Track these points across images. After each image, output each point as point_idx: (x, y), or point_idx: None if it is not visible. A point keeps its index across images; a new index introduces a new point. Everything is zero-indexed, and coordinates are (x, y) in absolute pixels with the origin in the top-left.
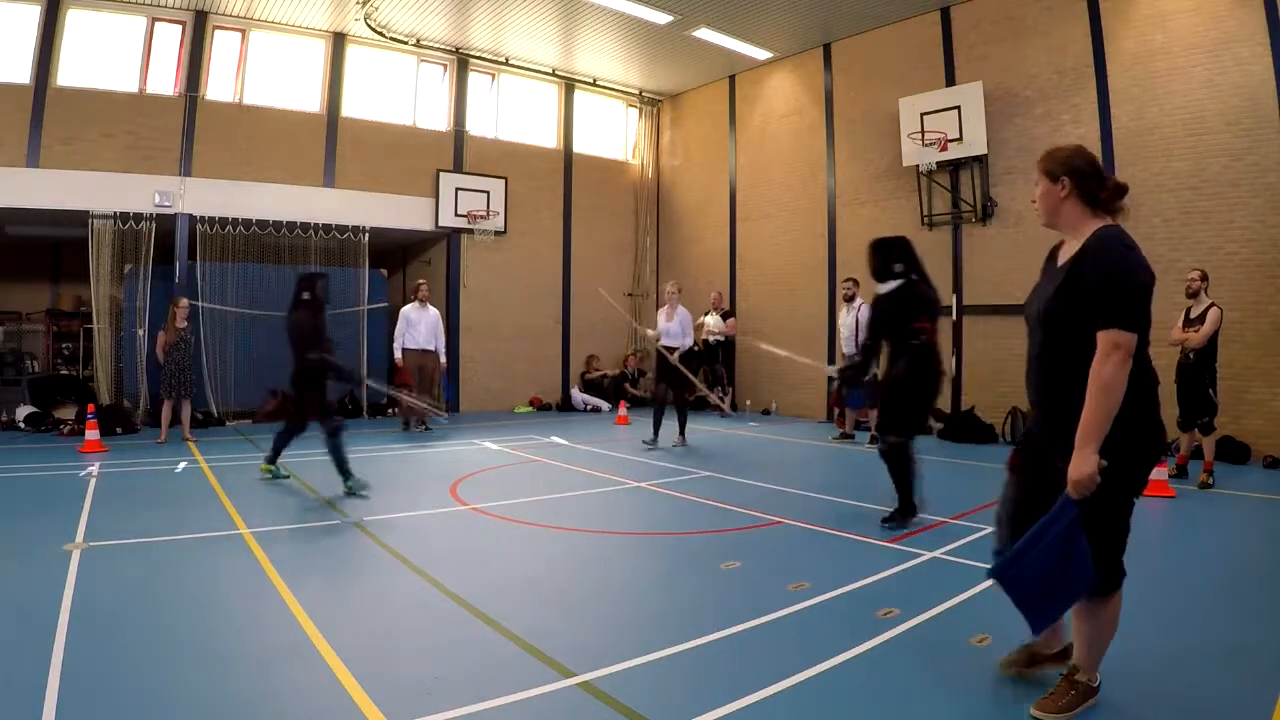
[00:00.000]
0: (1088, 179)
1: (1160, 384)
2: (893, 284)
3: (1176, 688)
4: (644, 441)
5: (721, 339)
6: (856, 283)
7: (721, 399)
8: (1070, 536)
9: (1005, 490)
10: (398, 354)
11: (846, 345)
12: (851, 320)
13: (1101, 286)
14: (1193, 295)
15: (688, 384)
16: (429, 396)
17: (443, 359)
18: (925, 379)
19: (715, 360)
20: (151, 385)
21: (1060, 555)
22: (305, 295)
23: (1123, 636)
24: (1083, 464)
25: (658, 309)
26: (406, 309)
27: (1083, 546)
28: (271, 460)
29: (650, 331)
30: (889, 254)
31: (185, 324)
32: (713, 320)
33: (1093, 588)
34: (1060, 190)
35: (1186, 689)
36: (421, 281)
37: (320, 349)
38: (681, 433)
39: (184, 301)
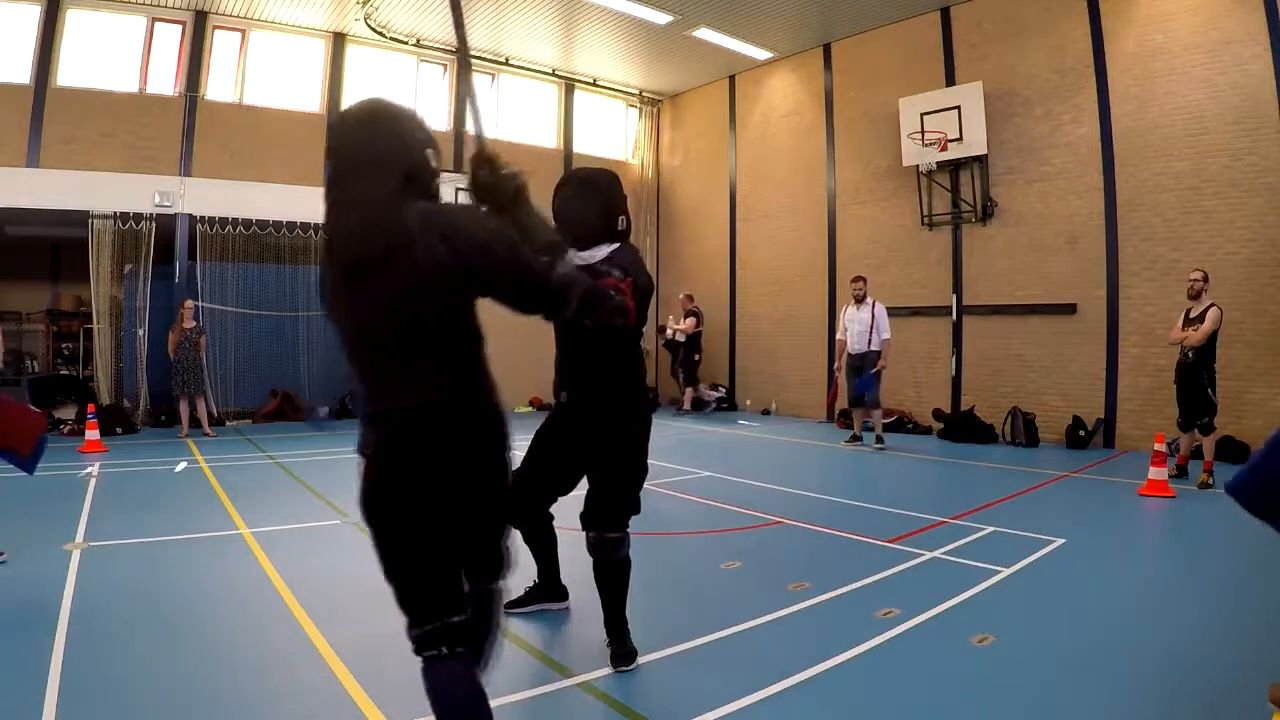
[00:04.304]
0: None
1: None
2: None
3: (1177, 687)
4: None
5: (682, 338)
6: (866, 281)
7: (681, 395)
8: None
9: None
10: None
11: (858, 344)
12: (866, 317)
13: None
14: (1194, 296)
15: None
16: None
17: None
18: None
19: (676, 359)
20: (153, 385)
21: None
22: None
23: (1122, 636)
24: None
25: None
26: None
27: None
28: None
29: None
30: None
31: (192, 324)
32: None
33: None
34: None
35: (1187, 688)
36: None
37: None
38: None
39: (189, 303)
